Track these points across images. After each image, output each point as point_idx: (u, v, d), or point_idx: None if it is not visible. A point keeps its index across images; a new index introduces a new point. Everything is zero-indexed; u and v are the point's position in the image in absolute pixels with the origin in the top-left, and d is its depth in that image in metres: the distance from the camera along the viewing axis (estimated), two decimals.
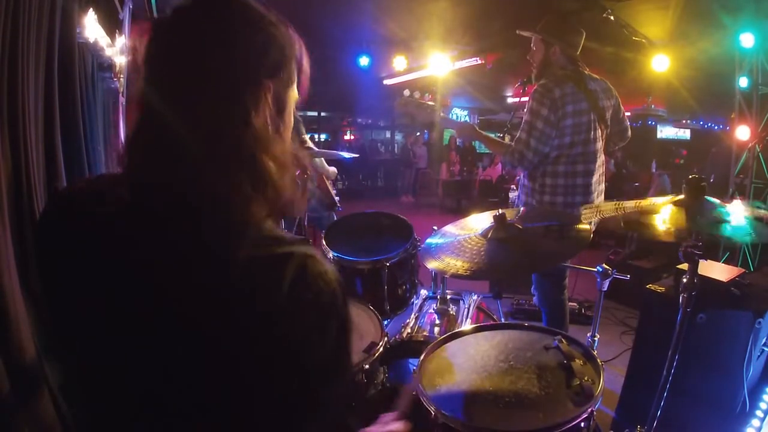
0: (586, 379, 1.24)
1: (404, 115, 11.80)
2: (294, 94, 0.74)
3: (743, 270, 2.06)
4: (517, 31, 2.57)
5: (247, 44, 0.65)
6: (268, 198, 0.66)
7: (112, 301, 0.62)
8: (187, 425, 0.61)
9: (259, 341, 0.58)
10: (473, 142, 12.70)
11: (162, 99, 0.64)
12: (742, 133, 4.76)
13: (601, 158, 2.49)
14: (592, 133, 2.40)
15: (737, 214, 1.34)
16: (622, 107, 2.61)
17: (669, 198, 1.48)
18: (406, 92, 2.64)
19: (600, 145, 2.47)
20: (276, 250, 0.61)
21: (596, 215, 1.57)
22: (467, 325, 1.74)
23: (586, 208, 1.60)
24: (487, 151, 13.43)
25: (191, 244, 0.61)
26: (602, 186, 2.57)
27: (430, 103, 2.63)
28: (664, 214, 1.39)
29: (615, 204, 1.55)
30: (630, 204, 1.52)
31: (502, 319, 2.71)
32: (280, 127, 0.72)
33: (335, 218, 3.26)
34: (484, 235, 1.55)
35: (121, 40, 2.83)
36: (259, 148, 0.65)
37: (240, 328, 0.58)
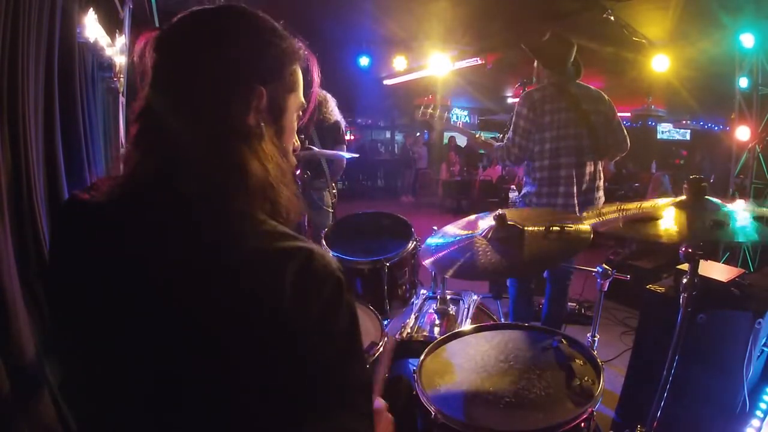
0: (586, 379, 1.24)
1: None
2: (296, 100, 0.76)
3: (743, 270, 2.06)
4: (522, 45, 2.92)
5: (239, 49, 0.68)
6: (264, 196, 0.68)
7: (116, 298, 0.62)
8: (192, 421, 0.61)
9: (267, 337, 0.58)
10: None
11: (163, 101, 0.67)
12: (742, 133, 4.76)
13: (588, 155, 2.72)
14: (574, 129, 2.68)
15: (740, 214, 1.34)
16: (617, 118, 2.82)
17: (670, 200, 1.48)
18: (423, 109, 3.09)
19: (587, 142, 2.71)
20: (280, 244, 0.62)
21: (599, 218, 1.56)
22: (467, 325, 1.74)
23: (588, 213, 1.62)
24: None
25: (190, 240, 0.61)
26: (595, 183, 2.77)
27: (446, 115, 3.11)
28: (665, 217, 1.39)
29: (617, 206, 1.55)
30: (632, 206, 1.51)
31: (502, 319, 2.71)
32: (278, 129, 0.73)
33: (331, 219, 3.27)
34: (484, 235, 1.55)
35: (121, 40, 2.83)
36: (252, 149, 0.68)
37: (246, 323, 0.58)
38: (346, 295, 0.63)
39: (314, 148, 2.67)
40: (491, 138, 3.21)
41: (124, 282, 0.62)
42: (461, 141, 13.32)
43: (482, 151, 12.73)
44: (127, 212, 0.66)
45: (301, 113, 0.79)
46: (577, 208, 2.67)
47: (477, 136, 3.11)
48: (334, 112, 3.35)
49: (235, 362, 0.58)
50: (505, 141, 2.81)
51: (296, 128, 0.80)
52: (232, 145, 0.67)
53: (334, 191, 3.42)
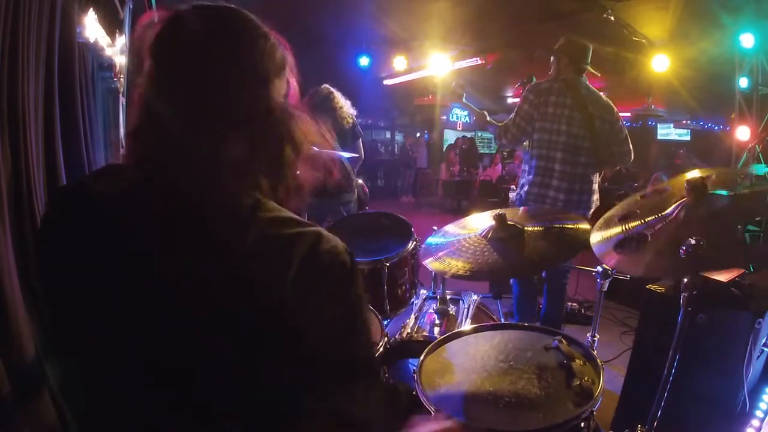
0: (586, 379, 1.24)
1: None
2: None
3: (743, 270, 2.06)
4: (538, 53, 3.08)
5: (255, 47, 0.69)
6: (276, 187, 0.70)
7: (119, 292, 0.62)
8: (203, 409, 0.61)
9: (276, 320, 0.59)
10: (475, 143, 12.82)
11: (169, 93, 0.67)
12: (742, 133, 4.76)
13: (587, 157, 2.75)
14: (575, 128, 2.71)
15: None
16: (624, 131, 2.86)
17: (669, 199, 1.47)
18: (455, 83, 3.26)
19: (588, 144, 2.74)
20: (287, 230, 0.63)
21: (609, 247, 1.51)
22: (467, 325, 1.74)
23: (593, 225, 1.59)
24: (488, 152, 13.45)
25: (197, 231, 0.62)
26: (591, 186, 2.81)
27: (460, 91, 3.19)
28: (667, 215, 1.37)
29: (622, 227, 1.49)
30: (634, 218, 1.46)
31: (502, 319, 2.71)
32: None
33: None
34: (484, 235, 1.55)
35: (121, 40, 2.83)
36: (262, 139, 0.69)
37: (255, 309, 0.59)
38: (354, 279, 0.64)
39: (314, 148, 2.65)
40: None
41: (128, 274, 0.62)
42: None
43: (482, 151, 12.79)
44: (132, 203, 0.65)
45: None
46: (564, 205, 2.71)
47: (482, 112, 3.13)
48: (346, 108, 3.33)
49: (244, 348, 0.59)
50: (506, 122, 2.91)
51: None
52: (241, 136, 0.68)
53: (363, 187, 3.41)
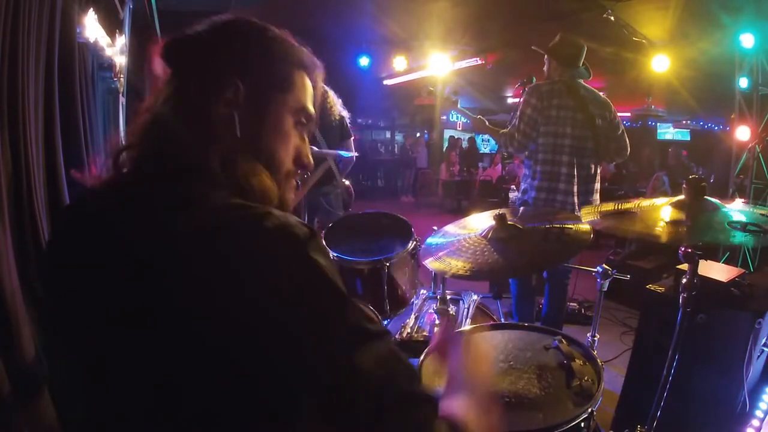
0: (586, 379, 1.24)
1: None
2: (290, 102, 0.76)
3: (743, 270, 2.06)
4: (533, 47, 2.99)
5: (221, 44, 0.72)
6: (232, 184, 0.68)
7: (119, 292, 0.62)
8: (184, 412, 0.61)
9: (269, 318, 0.57)
10: (476, 143, 12.83)
11: (169, 95, 0.72)
12: (742, 133, 4.76)
13: (590, 158, 2.76)
14: (579, 130, 2.70)
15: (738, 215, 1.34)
16: (622, 128, 2.87)
17: (668, 199, 1.48)
18: (430, 88, 3.16)
19: (591, 144, 2.74)
20: (234, 213, 0.61)
21: (596, 215, 1.58)
22: (467, 325, 1.74)
23: (586, 209, 1.64)
24: (488, 152, 13.46)
25: (196, 230, 0.60)
26: (593, 185, 2.83)
27: (453, 98, 3.25)
28: (664, 215, 1.39)
29: (614, 204, 1.56)
30: (630, 204, 1.52)
31: (502, 319, 2.71)
32: (256, 124, 0.73)
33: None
34: (484, 235, 1.55)
35: (121, 40, 2.83)
36: (219, 139, 0.69)
37: (255, 308, 0.56)
38: (308, 250, 0.59)
39: (314, 148, 2.66)
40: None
41: (128, 274, 0.62)
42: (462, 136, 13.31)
43: (483, 150, 12.80)
44: (131, 203, 0.67)
45: (304, 120, 0.79)
46: (576, 206, 2.70)
47: (478, 117, 3.09)
48: (337, 107, 3.32)
49: (243, 348, 0.57)
50: (509, 129, 2.83)
51: (300, 135, 0.79)
52: (199, 134, 0.68)
53: (348, 188, 3.40)
